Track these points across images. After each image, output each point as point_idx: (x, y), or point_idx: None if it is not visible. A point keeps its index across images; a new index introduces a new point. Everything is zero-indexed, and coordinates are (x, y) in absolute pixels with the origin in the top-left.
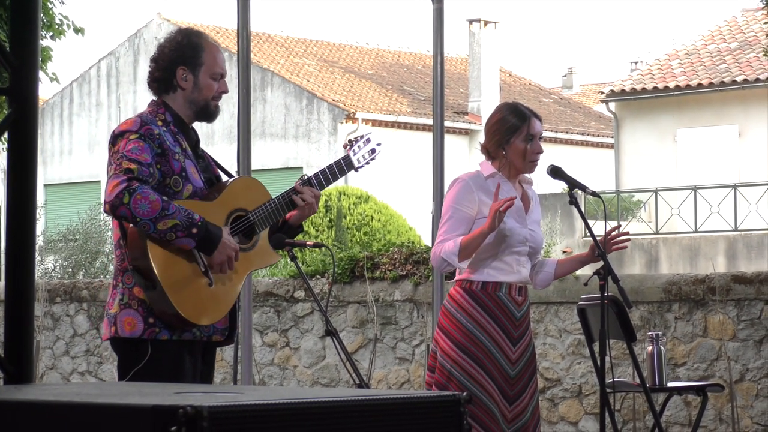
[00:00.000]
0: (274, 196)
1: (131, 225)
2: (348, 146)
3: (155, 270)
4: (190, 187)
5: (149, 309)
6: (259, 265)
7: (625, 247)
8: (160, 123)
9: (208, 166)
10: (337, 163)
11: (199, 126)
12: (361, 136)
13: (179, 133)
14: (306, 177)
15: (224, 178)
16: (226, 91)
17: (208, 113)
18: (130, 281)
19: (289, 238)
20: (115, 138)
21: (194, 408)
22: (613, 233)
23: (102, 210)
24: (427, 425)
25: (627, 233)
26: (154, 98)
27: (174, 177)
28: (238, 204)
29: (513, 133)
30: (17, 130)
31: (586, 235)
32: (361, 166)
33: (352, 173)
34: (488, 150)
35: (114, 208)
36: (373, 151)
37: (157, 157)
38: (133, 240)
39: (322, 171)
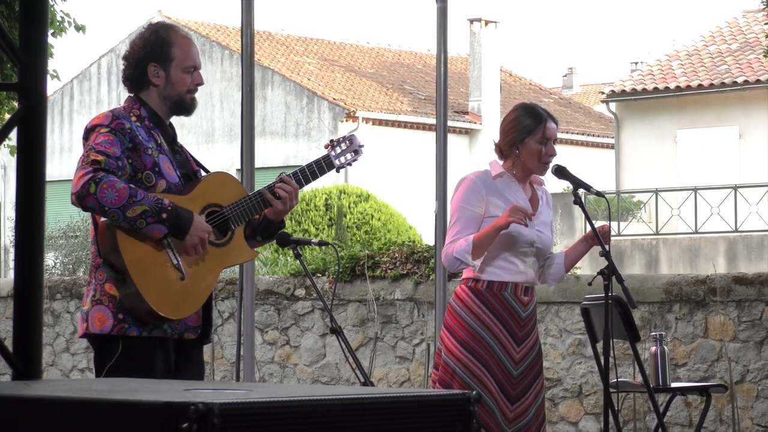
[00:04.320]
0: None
1: (101, 218)
2: (329, 146)
3: (125, 262)
4: (164, 183)
5: (119, 305)
6: (233, 261)
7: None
8: (134, 118)
9: (186, 161)
10: (317, 162)
11: (199, 124)
12: (344, 137)
13: (155, 129)
14: (284, 174)
15: (203, 174)
16: (201, 83)
17: (184, 107)
18: (102, 277)
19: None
20: (87, 132)
21: (206, 405)
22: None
23: (70, 202)
24: (437, 424)
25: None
26: (130, 95)
27: (146, 172)
28: (212, 199)
29: (528, 133)
30: (26, 127)
31: None
32: (342, 167)
33: (352, 170)
34: (501, 148)
35: (81, 198)
36: (355, 152)
37: (129, 152)
38: (103, 232)
39: (301, 169)
